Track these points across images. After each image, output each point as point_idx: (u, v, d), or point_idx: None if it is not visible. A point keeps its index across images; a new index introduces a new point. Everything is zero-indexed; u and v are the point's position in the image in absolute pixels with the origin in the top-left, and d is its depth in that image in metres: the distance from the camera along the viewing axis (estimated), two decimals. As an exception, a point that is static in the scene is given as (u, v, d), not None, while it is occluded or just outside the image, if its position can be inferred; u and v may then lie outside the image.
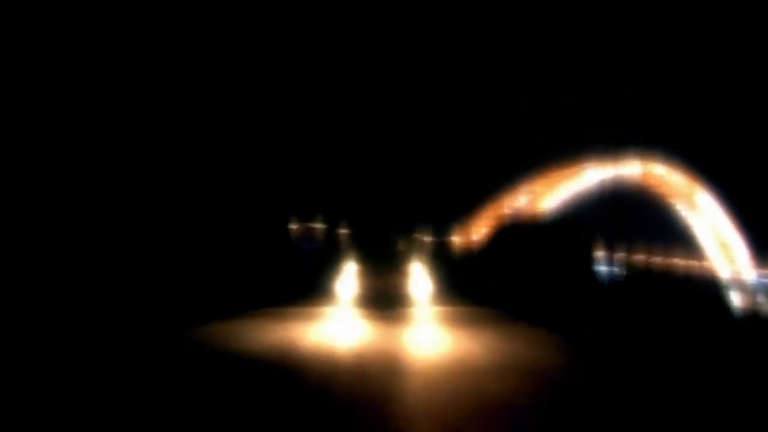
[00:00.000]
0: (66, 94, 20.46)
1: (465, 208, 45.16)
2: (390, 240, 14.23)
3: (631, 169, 48.95)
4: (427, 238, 41.34)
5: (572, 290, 14.44)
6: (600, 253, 26.93)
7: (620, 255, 36.97)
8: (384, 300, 12.22)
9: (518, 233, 21.29)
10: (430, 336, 10.20)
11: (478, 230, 38.34)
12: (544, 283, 14.77)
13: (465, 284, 16.01)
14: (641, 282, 18.92)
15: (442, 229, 39.63)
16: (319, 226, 23.36)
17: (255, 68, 27.13)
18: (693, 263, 45.59)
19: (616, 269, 30.72)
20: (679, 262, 49.32)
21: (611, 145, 47.03)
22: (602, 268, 32.03)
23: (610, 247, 42.71)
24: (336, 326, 10.67)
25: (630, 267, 32.32)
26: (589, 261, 19.36)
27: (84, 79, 21.11)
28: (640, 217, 49.71)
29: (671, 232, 51.71)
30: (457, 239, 40.50)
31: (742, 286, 37.74)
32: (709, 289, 28.25)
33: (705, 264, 43.17)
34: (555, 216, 38.18)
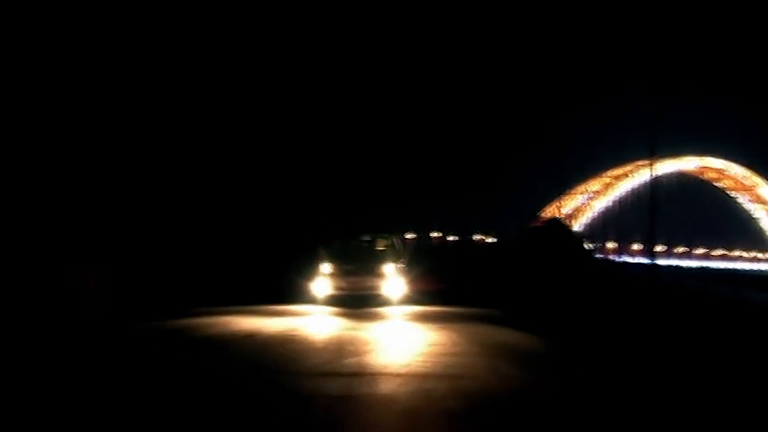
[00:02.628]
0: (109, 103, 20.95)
1: (528, 213, 46.16)
2: (370, 243, 15.06)
3: (688, 164, 47.91)
4: (490, 240, 42.87)
5: (560, 281, 15.63)
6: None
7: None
8: (357, 301, 13.16)
9: (532, 236, 22.55)
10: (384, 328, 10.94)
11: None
12: (541, 279, 16.05)
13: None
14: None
15: (505, 233, 41.05)
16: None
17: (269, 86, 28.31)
18: (760, 256, 44.26)
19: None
20: (744, 254, 47.80)
21: (668, 141, 46.50)
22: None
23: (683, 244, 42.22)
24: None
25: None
26: (579, 257, 20.39)
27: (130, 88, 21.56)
28: (699, 211, 48.44)
29: (733, 225, 49.89)
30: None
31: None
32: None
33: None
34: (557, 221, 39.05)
